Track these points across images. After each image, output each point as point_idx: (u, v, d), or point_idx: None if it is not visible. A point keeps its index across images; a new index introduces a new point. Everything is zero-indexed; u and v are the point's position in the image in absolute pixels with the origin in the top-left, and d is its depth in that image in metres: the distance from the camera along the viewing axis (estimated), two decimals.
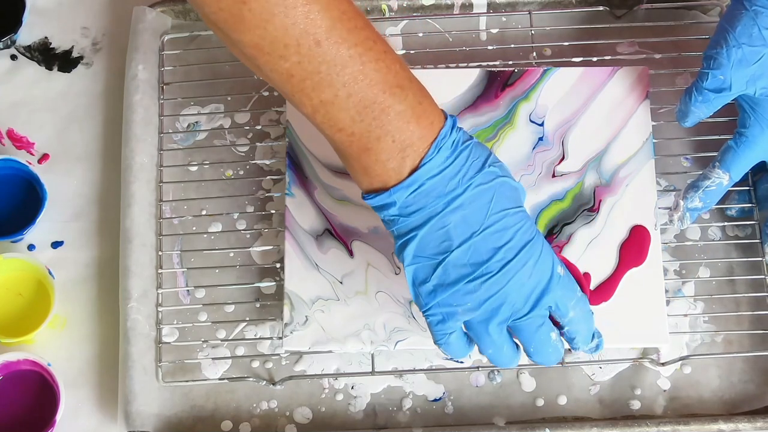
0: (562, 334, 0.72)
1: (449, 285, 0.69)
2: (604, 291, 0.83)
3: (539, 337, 0.70)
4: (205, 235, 0.89)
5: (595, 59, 0.90)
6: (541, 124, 0.86)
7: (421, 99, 0.68)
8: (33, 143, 0.92)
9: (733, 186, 0.83)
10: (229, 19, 0.64)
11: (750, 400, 0.85)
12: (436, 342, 0.72)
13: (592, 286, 0.83)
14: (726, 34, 0.78)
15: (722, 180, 0.81)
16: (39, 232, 0.89)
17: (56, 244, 0.89)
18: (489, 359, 0.72)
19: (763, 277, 0.86)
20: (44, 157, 0.91)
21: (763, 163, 0.83)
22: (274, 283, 0.87)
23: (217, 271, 0.88)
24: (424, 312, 0.71)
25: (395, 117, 0.67)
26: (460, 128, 0.70)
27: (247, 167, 0.90)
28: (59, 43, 0.95)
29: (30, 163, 0.88)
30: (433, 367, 0.85)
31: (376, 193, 0.69)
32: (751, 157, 0.81)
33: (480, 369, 0.85)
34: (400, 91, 0.67)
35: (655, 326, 0.82)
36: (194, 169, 0.91)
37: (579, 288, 0.72)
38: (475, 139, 0.70)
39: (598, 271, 0.83)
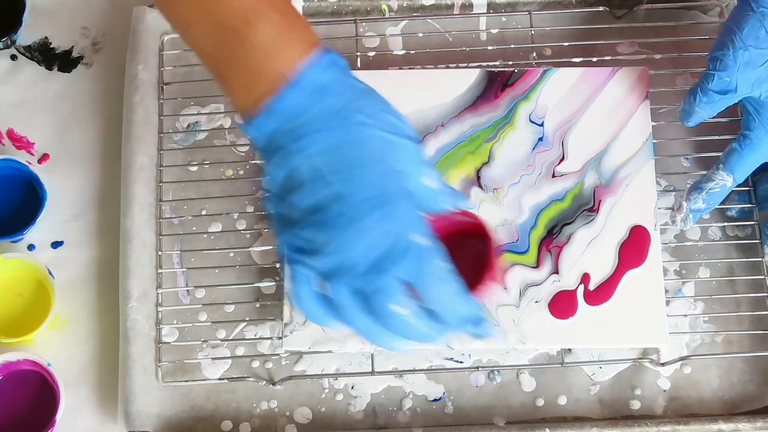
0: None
1: (290, 223, 0.65)
2: (604, 291, 0.83)
3: (377, 303, 0.63)
4: (205, 235, 0.89)
5: (595, 59, 0.90)
6: (541, 125, 0.86)
7: (288, 32, 0.65)
8: (33, 143, 0.92)
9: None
10: None
11: (750, 400, 0.85)
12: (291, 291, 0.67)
13: (592, 286, 0.83)
14: (732, 35, 0.77)
15: (726, 182, 0.81)
16: (39, 232, 0.89)
17: (56, 244, 0.89)
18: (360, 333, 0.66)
19: (763, 277, 0.86)
20: (44, 157, 0.91)
21: (764, 163, 0.83)
22: (274, 283, 0.87)
23: (217, 271, 0.88)
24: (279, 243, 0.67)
25: (251, 48, 0.64)
26: (343, 68, 0.66)
27: (247, 167, 0.90)
28: (59, 43, 0.95)
29: (30, 163, 0.88)
30: (433, 367, 0.85)
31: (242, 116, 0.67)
32: (754, 160, 0.81)
33: (480, 369, 0.85)
34: (260, 21, 0.64)
35: (655, 326, 0.82)
36: (194, 169, 0.91)
37: (443, 266, 0.64)
38: (364, 85, 0.67)
39: (598, 271, 0.83)
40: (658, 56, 0.91)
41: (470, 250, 0.72)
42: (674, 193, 0.88)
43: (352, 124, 0.64)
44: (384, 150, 0.65)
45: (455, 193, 0.71)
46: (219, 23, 0.65)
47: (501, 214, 0.84)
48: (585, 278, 0.82)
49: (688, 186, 0.84)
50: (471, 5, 0.93)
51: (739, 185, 0.84)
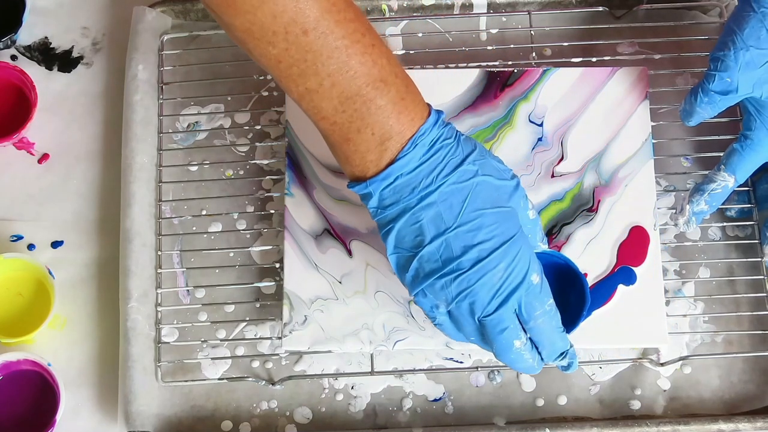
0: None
1: (424, 277, 0.70)
2: (603, 291, 0.83)
3: (501, 340, 0.70)
4: (205, 235, 0.89)
5: (594, 59, 0.90)
6: (541, 125, 0.86)
7: (405, 95, 0.69)
8: (33, 143, 0.92)
9: None
10: (222, 3, 0.66)
11: (750, 400, 0.85)
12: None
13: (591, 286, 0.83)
14: (733, 35, 0.77)
15: (728, 182, 0.81)
16: (39, 232, 0.89)
17: (56, 244, 0.89)
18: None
19: (762, 277, 0.86)
20: (44, 157, 0.92)
21: (764, 163, 0.83)
22: (274, 283, 0.87)
23: (217, 271, 0.88)
24: (413, 297, 0.72)
25: (376, 111, 0.68)
26: (449, 124, 0.71)
27: (247, 167, 0.90)
28: (59, 43, 0.95)
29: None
30: (433, 367, 0.85)
31: (357, 182, 0.71)
32: (756, 160, 0.81)
33: (480, 369, 0.85)
34: (383, 85, 0.68)
35: (655, 326, 0.82)
36: (194, 169, 0.91)
37: (550, 302, 0.71)
38: (464, 136, 0.71)
39: (597, 271, 0.83)
40: (657, 56, 0.91)
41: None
42: (674, 193, 0.88)
43: (468, 176, 0.70)
44: (494, 194, 0.70)
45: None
46: (344, 90, 0.68)
47: None
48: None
49: (690, 188, 0.84)
50: (471, 5, 0.93)
51: (738, 185, 0.84)
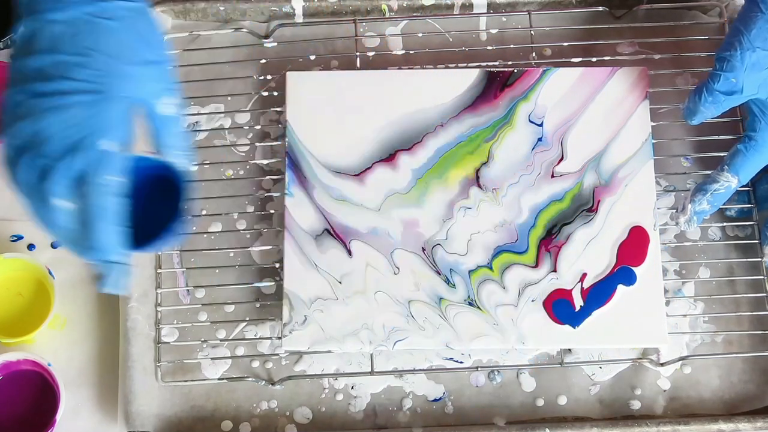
0: None
1: (11, 83, 0.64)
2: (602, 291, 0.83)
3: (41, 188, 0.62)
4: (205, 235, 0.89)
5: (594, 59, 0.90)
6: (540, 125, 0.86)
7: None
8: None
9: None
10: None
11: (750, 400, 0.85)
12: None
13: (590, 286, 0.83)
14: (740, 36, 0.77)
15: (731, 183, 0.81)
16: (39, 231, 0.89)
17: (56, 244, 0.89)
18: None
19: (762, 277, 0.86)
20: None
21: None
22: (274, 283, 0.87)
23: (217, 271, 0.88)
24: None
25: None
26: None
27: (247, 167, 0.90)
28: None
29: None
30: (433, 367, 0.85)
31: None
32: (760, 161, 0.81)
33: (480, 369, 0.85)
34: None
35: (655, 326, 0.82)
36: (194, 169, 0.91)
37: (111, 179, 0.62)
38: None
39: (597, 271, 0.83)
40: (657, 56, 0.91)
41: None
42: (674, 193, 0.88)
43: (104, 12, 0.64)
44: (102, 38, 0.64)
45: (185, 133, 0.69)
46: None
47: (500, 214, 0.84)
48: (583, 278, 0.83)
49: (692, 187, 0.84)
50: (471, 5, 0.93)
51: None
